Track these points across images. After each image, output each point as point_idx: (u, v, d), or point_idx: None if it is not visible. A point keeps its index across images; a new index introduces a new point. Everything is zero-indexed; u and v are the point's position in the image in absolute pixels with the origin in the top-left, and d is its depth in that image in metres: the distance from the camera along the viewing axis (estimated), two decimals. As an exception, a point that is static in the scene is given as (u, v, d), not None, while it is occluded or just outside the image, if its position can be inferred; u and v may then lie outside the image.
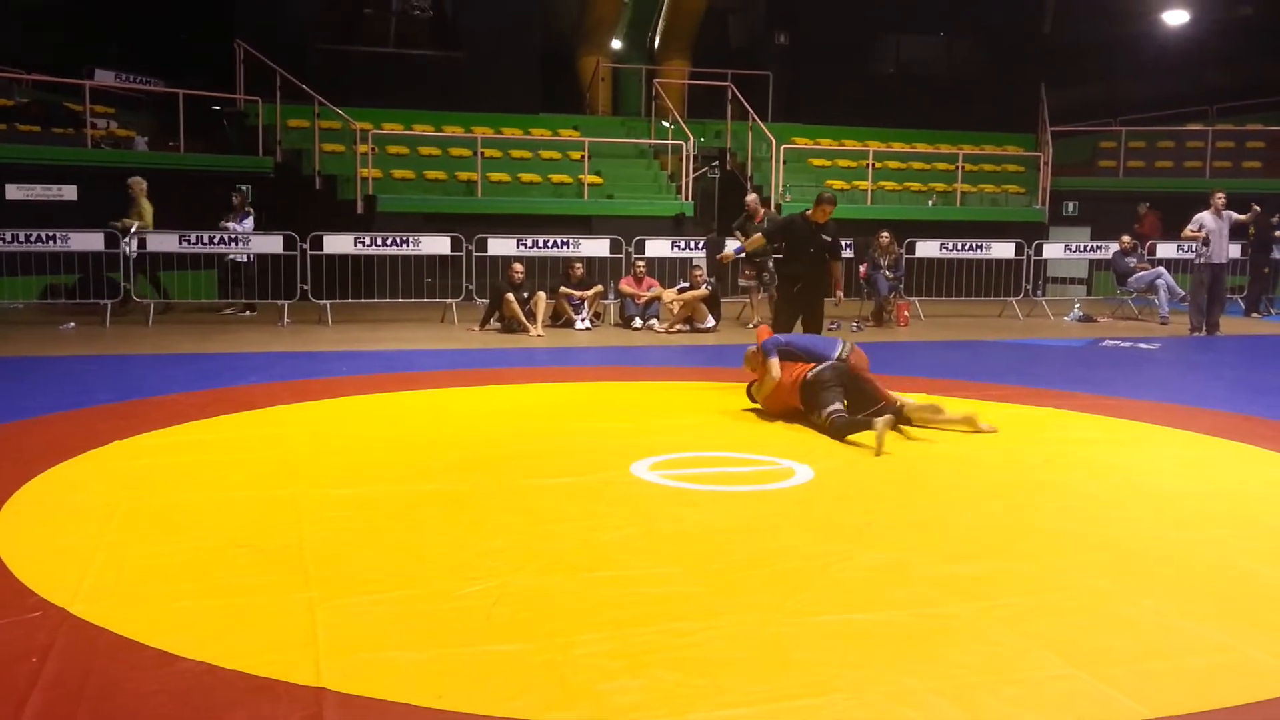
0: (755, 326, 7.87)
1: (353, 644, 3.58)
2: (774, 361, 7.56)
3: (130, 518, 5.02)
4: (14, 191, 15.12)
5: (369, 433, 7.14)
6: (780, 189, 19.31)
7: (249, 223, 15.00)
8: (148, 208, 14.36)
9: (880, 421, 6.59)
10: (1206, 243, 13.88)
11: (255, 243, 14.80)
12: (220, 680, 3.28)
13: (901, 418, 7.10)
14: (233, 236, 14.68)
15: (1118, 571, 4.44)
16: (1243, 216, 14.32)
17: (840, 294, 9.86)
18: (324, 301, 14.43)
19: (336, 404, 8.19)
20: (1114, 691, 3.30)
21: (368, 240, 14.84)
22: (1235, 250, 16.17)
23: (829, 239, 9.41)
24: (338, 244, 14.68)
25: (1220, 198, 14.12)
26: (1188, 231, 14.09)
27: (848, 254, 16.21)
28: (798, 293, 9.45)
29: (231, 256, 14.95)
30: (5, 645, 3.52)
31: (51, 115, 16.99)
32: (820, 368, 7.38)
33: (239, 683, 3.27)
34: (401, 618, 3.83)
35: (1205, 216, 13.94)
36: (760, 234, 10.40)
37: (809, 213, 9.46)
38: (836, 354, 7.55)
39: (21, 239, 13.70)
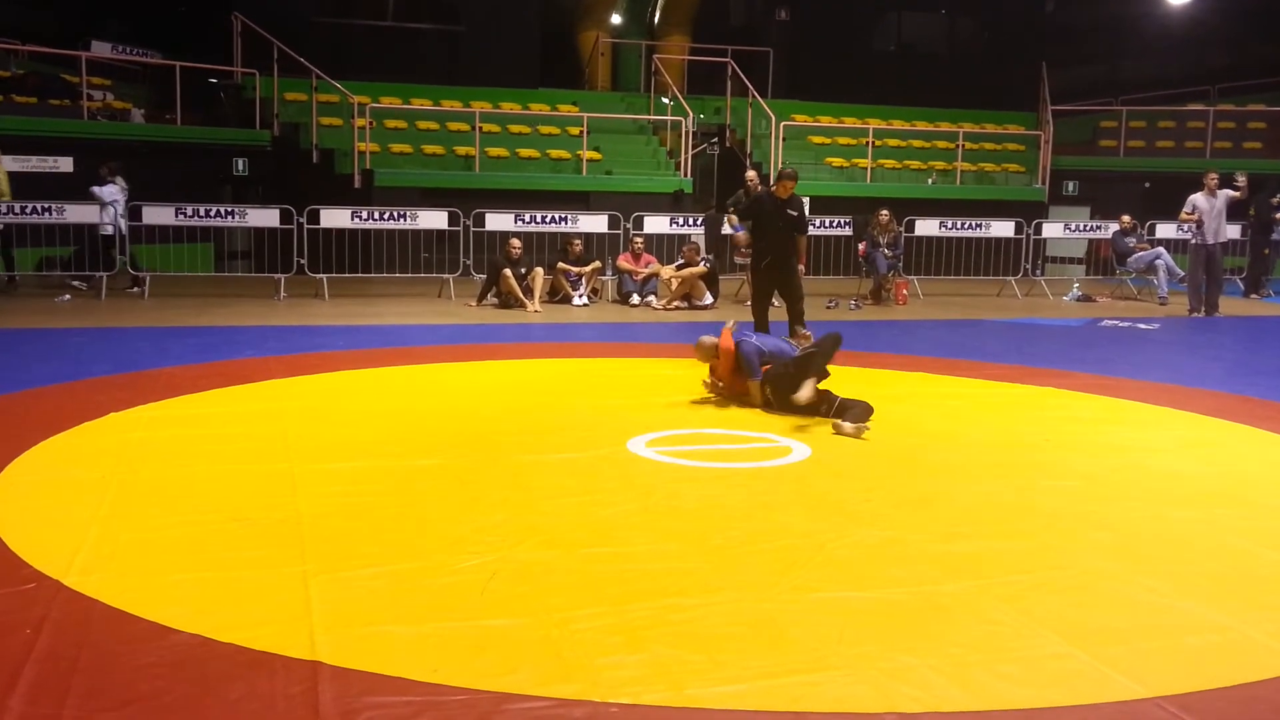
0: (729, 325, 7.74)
1: (348, 617, 3.57)
2: (756, 384, 7.33)
3: (125, 490, 5.00)
4: (9, 163, 15.02)
5: (366, 407, 7.13)
6: (780, 166, 19.21)
7: (113, 190, 14.18)
8: (3, 176, 13.97)
9: (846, 427, 6.49)
10: (1200, 224, 13.85)
11: (252, 216, 14.73)
12: (215, 653, 3.27)
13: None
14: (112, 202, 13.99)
15: (1116, 551, 4.44)
16: (1236, 192, 14.25)
17: (802, 267, 10.12)
18: (321, 276, 14.39)
19: (333, 378, 8.17)
20: (1111, 670, 3.29)
21: (365, 214, 14.79)
22: (1234, 231, 16.15)
23: (794, 214, 9.66)
24: (335, 218, 14.61)
25: (1213, 178, 14.07)
26: (1183, 214, 14.07)
27: (846, 231, 16.23)
28: (765, 267, 9.78)
29: (104, 228, 14.00)
30: (0, 616, 3.51)
31: (48, 87, 16.89)
32: (778, 365, 7.27)
33: (234, 656, 3.26)
34: (398, 592, 3.81)
35: (1198, 198, 13.92)
36: (735, 211, 10.72)
37: (773, 189, 9.73)
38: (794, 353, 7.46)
39: (18, 211, 13.62)
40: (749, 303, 10.41)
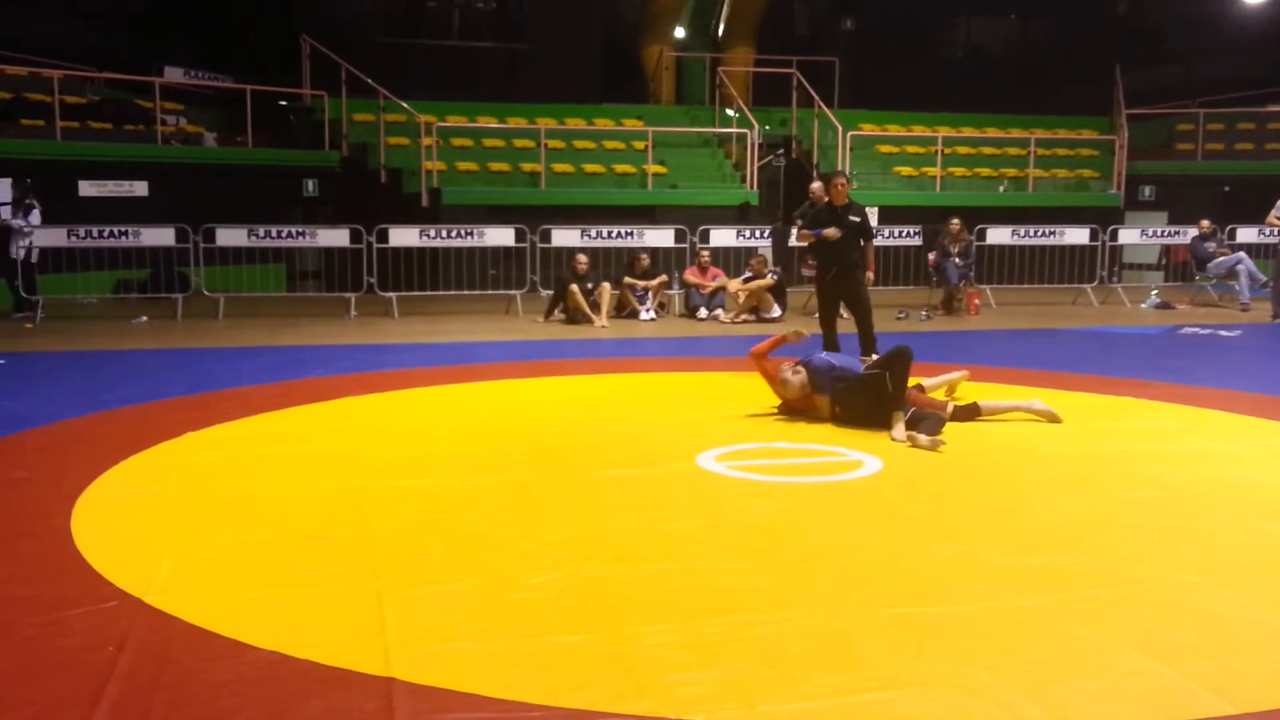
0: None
1: (421, 634, 3.58)
2: (825, 399, 7.29)
3: (202, 509, 5.08)
4: (87, 188, 15.44)
5: (435, 424, 7.18)
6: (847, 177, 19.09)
7: (36, 216, 13.75)
8: None
9: (922, 439, 6.43)
10: None
11: (322, 236, 14.97)
12: (292, 670, 3.31)
13: (951, 416, 6.95)
14: (25, 230, 13.55)
15: (1200, 565, 4.31)
16: None
17: (870, 275, 9.66)
18: (390, 294, 14.56)
19: (403, 396, 8.25)
20: (1198, 687, 3.19)
21: (433, 233, 14.94)
22: None
23: (857, 220, 9.27)
24: (403, 237, 14.80)
25: None
26: (1271, 218, 13.72)
27: (916, 241, 16.06)
28: (831, 279, 9.45)
29: (16, 254, 13.54)
30: (83, 634, 3.57)
31: (123, 113, 17.34)
32: (851, 382, 7.20)
33: (311, 672, 3.29)
34: (469, 608, 3.82)
35: None
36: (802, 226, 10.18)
37: (827, 197, 9.43)
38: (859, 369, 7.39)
39: (95, 235, 13.98)
40: (816, 316, 10.11)
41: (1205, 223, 16.34)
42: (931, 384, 7.67)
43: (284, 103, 19.64)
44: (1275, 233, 13.92)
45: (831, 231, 9.31)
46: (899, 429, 6.63)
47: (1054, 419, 7.05)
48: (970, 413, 7.11)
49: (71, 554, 4.38)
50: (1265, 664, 3.39)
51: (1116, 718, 3.03)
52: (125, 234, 14.06)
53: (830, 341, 9.35)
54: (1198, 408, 7.68)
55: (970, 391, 7.85)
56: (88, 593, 3.95)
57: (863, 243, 9.44)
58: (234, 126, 18.34)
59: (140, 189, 16.00)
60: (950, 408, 7.08)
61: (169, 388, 8.51)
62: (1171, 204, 20.22)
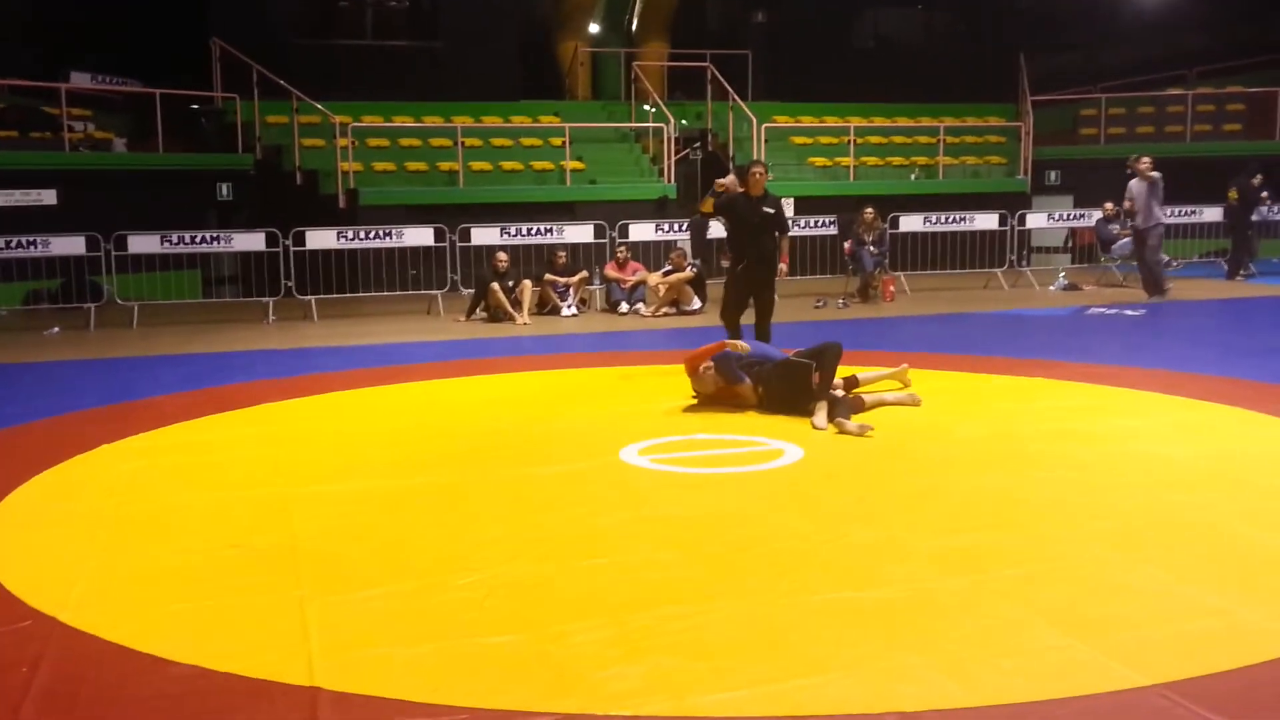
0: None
1: (346, 641, 3.56)
2: (746, 386, 7.37)
3: (119, 522, 4.99)
4: (-7, 198, 15.02)
5: (357, 428, 7.12)
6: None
7: None
8: None
9: (849, 425, 6.55)
10: (1132, 212, 14.01)
11: (238, 241, 14.72)
12: (214, 684, 3.26)
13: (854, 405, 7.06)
14: None
15: (1112, 539, 4.44)
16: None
17: (784, 267, 9.31)
18: (309, 297, 14.37)
19: (325, 400, 8.16)
20: (1111, 660, 3.30)
21: (350, 234, 14.77)
22: (1215, 213, 16.58)
23: (771, 211, 8.98)
24: (321, 239, 14.61)
25: (1144, 162, 14.08)
26: (1126, 204, 14.21)
27: (831, 230, 16.24)
28: (743, 271, 9.04)
29: None
30: (-4, 656, 3.50)
31: (28, 120, 16.85)
32: (773, 366, 7.33)
33: (234, 685, 3.25)
34: (395, 613, 3.81)
35: (1134, 184, 14.02)
36: (711, 198, 9.44)
37: (743, 188, 9.08)
38: (781, 355, 7.51)
39: (3, 245, 13.59)
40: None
41: (1109, 205, 16.76)
42: (866, 377, 7.73)
43: (195, 106, 19.24)
44: (1129, 219, 14.49)
45: (730, 180, 9.10)
46: (820, 416, 6.72)
47: (915, 403, 7.27)
48: (850, 384, 7.37)
49: (-18, 575, 4.28)
50: (1176, 633, 3.51)
51: (1034, 693, 3.11)
52: (34, 244, 13.67)
53: (734, 335, 8.93)
54: (1106, 386, 7.89)
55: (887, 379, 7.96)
56: (0, 613, 3.85)
57: (778, 235, 9.15)
58: (144, 131, 17.90)
59: (49, 197, 15.56)
60: (841, 385, 7.27)
61: (82, 399, 8.32)
62: (1076, 187, 20.68)
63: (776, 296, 9.42)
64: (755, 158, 18.82)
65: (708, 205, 9.37)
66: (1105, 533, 4.53)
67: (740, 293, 9.15)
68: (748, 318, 9.16)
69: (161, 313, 14.30)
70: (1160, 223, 14.10)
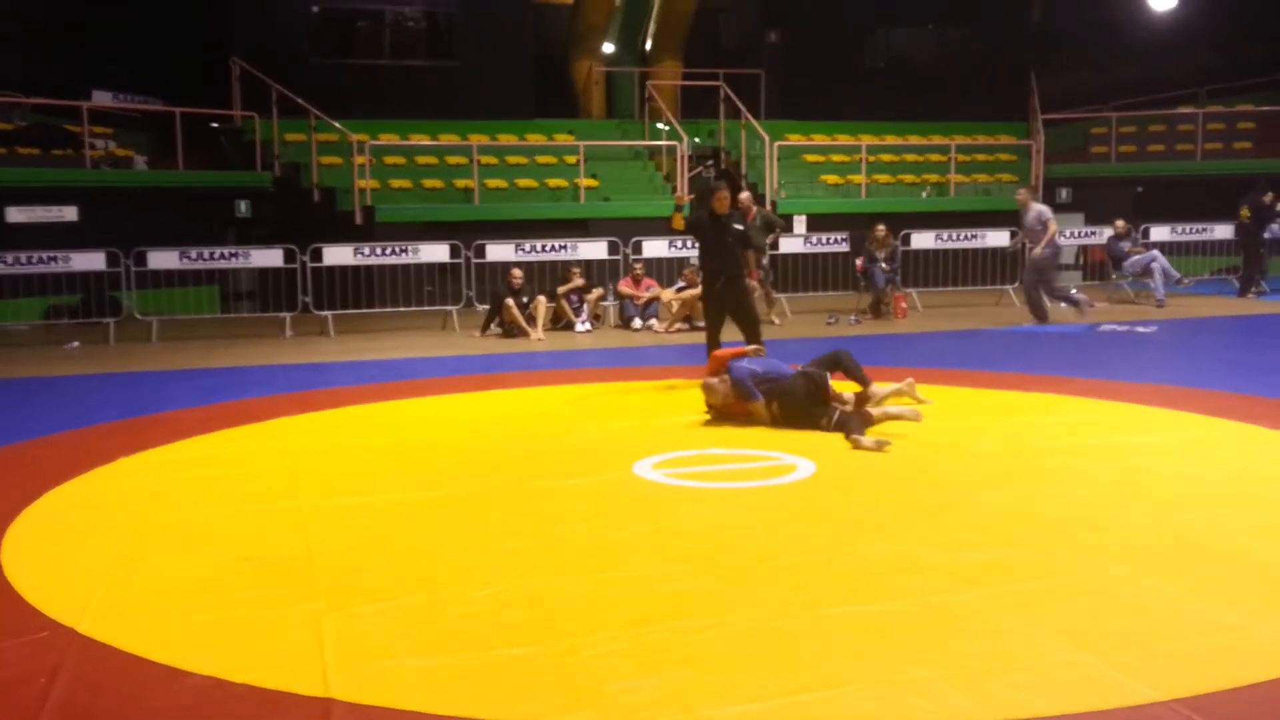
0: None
1: (361, 653, 3.59)
2: (759, 404, 7.42)
3: (136, 535, 5.03)
4: (15, 214, 15.14)
5: (373, 442, 7.15)
6: (775, 186, 19.30)
7: None
8: None
9: (866, 441, 6.58)
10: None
11: (256, 257, 14.83)
12: (230, 694, 3.29)
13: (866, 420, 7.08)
14: None
15: (1124, 555, 4.44)
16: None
17: (753, 283, 9.46)
18: (326, 313, 14.44)
19: (340, 414, 8.20)
20: (1123, 675, 3.30)
21: (367, 250, 14.86)
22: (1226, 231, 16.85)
23: (739, 228, 9.24)
24: (338, 255, 14.70)
25: (1023, 193, 14.26)
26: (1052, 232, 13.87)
27: (843, 247, 16.26)
28: (720, 289, 9.18)
29: None
30: (13, 666, 3.53)
31: (51, 137, 17.01)
32: (787, 382, 7.38)
33: (248, 696, 3.28)
34: (409, 625, 3.83)
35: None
36: (684, 220, 9.53)
37: (711, 208, 9.22)
38: (792, 371, 7.55)
39: (24, 261, 13.72)
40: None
41: (1120, 222, 16.75)
42: (873, 393, 7.74)
43: (215, 124, 19.40)
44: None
45: (746, 197, 9.20)
46: (856, 435, 6.69)
47: (916, 417, 7.17)
48: (862, 399, 7.41)
49: (1, 585, 4.32)
50: (1190, 649, 3.51)
51: (1046, 708, 3.12)
52: (55, 259, 13.79)
53: (715, 347, 8.97)
54: (1117, 402, 7.88)
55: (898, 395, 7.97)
56: (18, 624, 3.89)
57: (745, 251, 9.33)
58: (165, 149, 18.06)
59: (70, 214, 15.70)
60: (851, 400, 7.34)
61: (102, 413, 8.38)
62: (1087, 205, 20.62)
63: (778, 318, 9.49)
64: (767, 177, 18.98)
65: (678, 222, 9.48)
66: (1118, 548, 4.53)
67: (717, 310, 9.32)
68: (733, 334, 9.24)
69: (180, 328, 14.40)
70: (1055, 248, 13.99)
